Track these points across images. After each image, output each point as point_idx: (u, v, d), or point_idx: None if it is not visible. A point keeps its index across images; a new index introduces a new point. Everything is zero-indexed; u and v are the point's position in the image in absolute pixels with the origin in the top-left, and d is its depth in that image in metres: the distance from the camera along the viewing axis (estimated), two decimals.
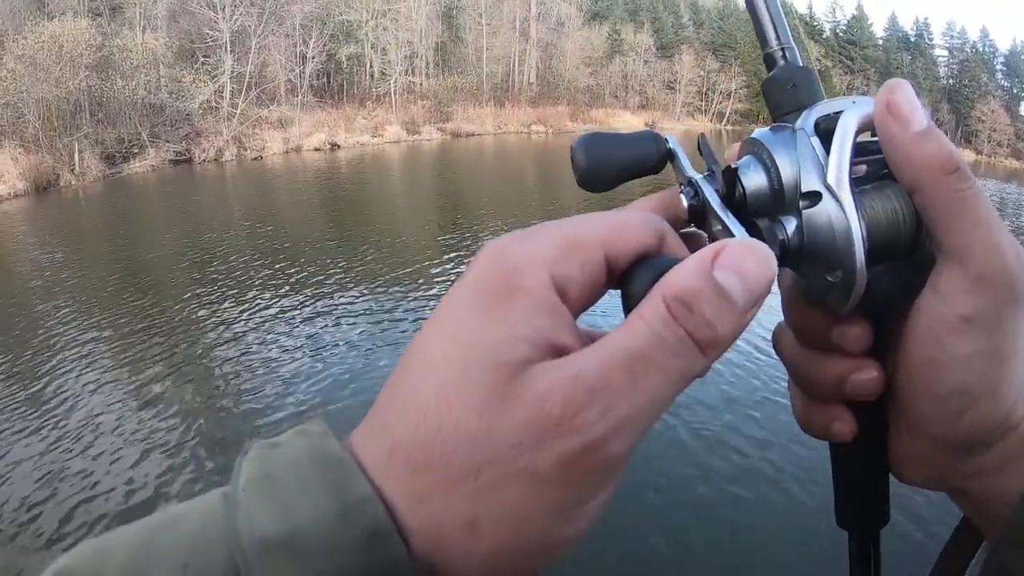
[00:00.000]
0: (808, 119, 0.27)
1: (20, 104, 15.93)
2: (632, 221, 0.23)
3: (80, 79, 17.20)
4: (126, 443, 4.13)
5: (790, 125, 0.28)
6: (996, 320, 0.25)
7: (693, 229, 0.28)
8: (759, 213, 0.27)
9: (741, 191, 0.27)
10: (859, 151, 0.26)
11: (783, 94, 0.29)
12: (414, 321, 6.11)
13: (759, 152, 0.28)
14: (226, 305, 6.69)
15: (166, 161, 18.96)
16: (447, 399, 0.19)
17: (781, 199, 0.27)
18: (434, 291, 7.07)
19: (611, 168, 0.29)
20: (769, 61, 0.30)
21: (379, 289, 7.16)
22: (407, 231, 10.59)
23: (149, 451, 4.03)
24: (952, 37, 52.49)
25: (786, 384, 0.34)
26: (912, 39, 52.25)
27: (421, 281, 7.43)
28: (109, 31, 19.13)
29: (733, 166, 0.28)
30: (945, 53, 52.71)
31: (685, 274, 0.20)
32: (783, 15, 0.30)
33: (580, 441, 0.19)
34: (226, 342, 5.77)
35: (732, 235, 0.26)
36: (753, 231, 0.27)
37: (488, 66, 34.57)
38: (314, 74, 27.19)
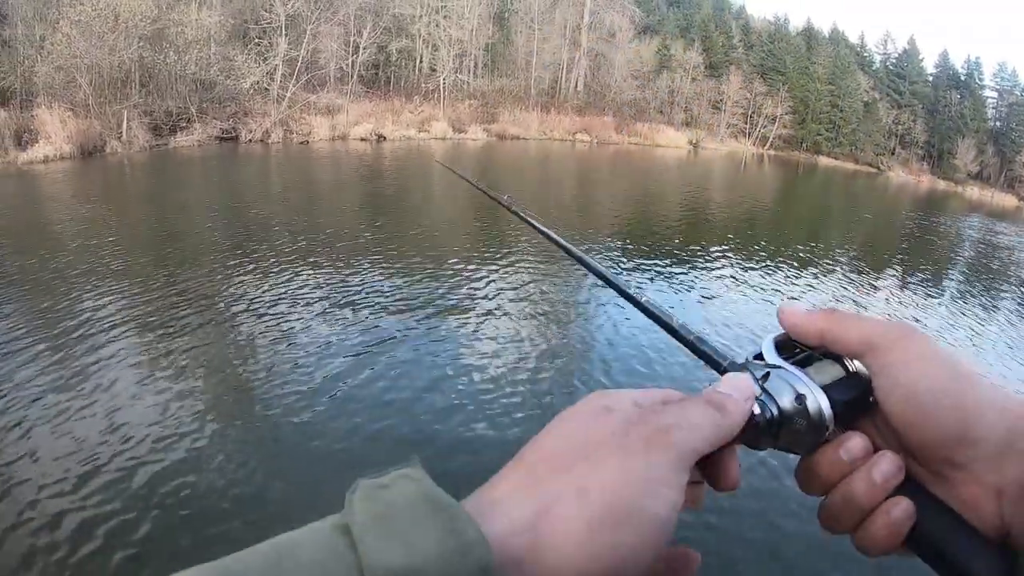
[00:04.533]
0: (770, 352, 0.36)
1: (73, 69, 15.62)
2: (731, 427, 0.31)
3: (133, 49, 16.89)
4: (149, 415, 3.94)
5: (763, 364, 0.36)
6: (936, 354, 0.31)
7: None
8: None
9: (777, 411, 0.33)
10: (783, 349, 0.36)
11: None
12: (445, 319, 5.92)
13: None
14: (257, 282, 6.58)
15: (212, 137, 18.61)
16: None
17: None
18: (467, 289, 6.84)
19: None
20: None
21: (409, 282, 6.93)
22: (447, 228, 10.23)
23: (171, 422, 3.87)
24: (1003, 79, 51.17)
25: None
26: (962, 77, 50.90)
27: (455, 278, 7.21)
28: (165, 4, 18.81)
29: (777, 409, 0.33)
30: (995, 95, 51.34)
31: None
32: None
33: (655, 424, 0.28)
34: (255, 318, 5.63)
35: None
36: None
37: (536, 71, 34.12)
38: (364, 64, 26.86)
